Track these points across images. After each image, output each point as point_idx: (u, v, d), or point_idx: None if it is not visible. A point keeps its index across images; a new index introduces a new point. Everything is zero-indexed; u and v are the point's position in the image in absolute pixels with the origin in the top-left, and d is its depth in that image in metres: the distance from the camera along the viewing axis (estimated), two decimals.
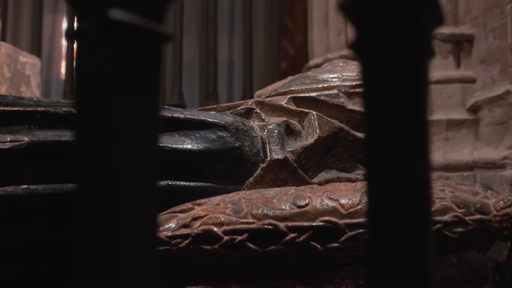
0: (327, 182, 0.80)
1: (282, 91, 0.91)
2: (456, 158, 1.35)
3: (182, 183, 0.70)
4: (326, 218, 0.62)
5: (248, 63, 1.92)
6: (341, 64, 1.00)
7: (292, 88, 0.92)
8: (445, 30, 1.43)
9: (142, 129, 0.27)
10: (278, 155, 0.75)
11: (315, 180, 0.80)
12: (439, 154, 1.37)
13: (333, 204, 0.63)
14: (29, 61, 1.24)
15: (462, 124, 1.38)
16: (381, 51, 0.28)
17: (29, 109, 0.69)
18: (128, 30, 0.26)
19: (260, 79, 2.12)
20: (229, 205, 0.64)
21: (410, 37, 0.27)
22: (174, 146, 0.70)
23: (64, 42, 1.88)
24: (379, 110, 0.27)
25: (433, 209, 0.65)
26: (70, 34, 0.26)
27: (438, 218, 0.63)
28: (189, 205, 0.66)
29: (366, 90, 0.28)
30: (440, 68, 1.44)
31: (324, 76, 0.96)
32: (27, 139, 0.65)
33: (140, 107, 0.27)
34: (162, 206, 0.68)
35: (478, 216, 0.65)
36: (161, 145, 0.69)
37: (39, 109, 0.69)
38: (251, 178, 0.74)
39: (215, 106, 0.90)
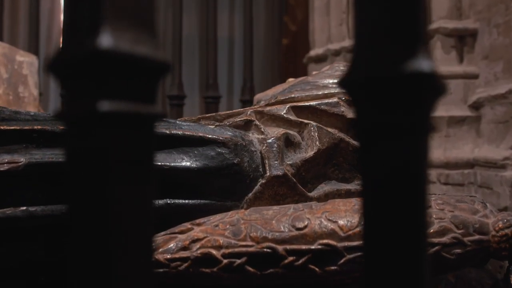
0: (326, 195, 0.80)
1: (282, 98, 0.90)
2: (456, 155, 1.35)
3: (180, 201, 0.70)
4: (325, 241, 0.62)
5: (248, 40, 1.89)
6: (342, 68, 0.98)
7: (292, 96, 0.91)
8: (448, 24, 1.41)
9: (136, 217, 0.26)
10: (277, 171, 0.75)
11: (315, 192, 0.80)
12: (439, 151, 1.37)
13: (332, 227, 0.63)
14: (26, 60, 1.23)
15: (463, 121, 1.38)
16: (381, 133, 0.27)
17: (26, 127, 0.68)
18: (118, 120, 0.25)
19: (261, 56, 2.10)
20: (228, 227, 0.64)
21: (412, 120, 0.27)
22: (173, 164, 0.69)
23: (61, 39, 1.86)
24: (379, 196, 0.27)
25: (432, 230, 0.65)
26: (61, 119, 0.26)
27: (436, 240, 0.64)
28: (188, 225, 0.66)
29: (365, 170, 0.28)
30: (442, 63, 1.42)
31: (325, 81, 0.94)
32: (24, 160, 0.64)
33: (134, 194, 0.27)
34: (161, 225, 0.68)
35: (477, 237, 0.65)
36: (159, 163, 0.69)
37: (36, 127, 0.68)
38: (250, 194, 0.74)
39: (214, 114, 0.89)
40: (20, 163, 0.64)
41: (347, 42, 1.72)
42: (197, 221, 0.67)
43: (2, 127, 0.67)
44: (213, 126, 0.77)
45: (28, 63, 1.23)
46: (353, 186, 0.84)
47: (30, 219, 0.64)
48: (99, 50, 0.24)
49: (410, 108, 0.26)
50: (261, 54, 1.99)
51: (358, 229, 0.63)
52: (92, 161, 0.25)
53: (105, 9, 0.24)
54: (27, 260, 0.64)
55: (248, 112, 0.86)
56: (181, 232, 0.65)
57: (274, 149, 0.76)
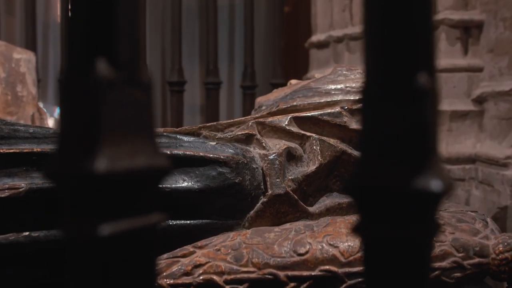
0: (328, 210, 0.80)
1: (284, 107, 0.89)
2: (458, 150, 1.35)
3: (182, 222, 0.70)
4: (326, 267, 0.63)
5: (249, 25, 1.86)
6: (344, 72, 0.97)
7: (294, 104, 0.89)
8: (454, 15, 1.38)
9: None
10: (279, 190, 0.74)
11: (316, 207, 0.80)
12: (441, 146, 1.36)
13: (333, 252, 0.64)
14: (23, 57, 1.21)
15: (466, 116, 1.36)
16: (385, 245, 0.27)
17: (25, 150, 0.68)
18: (120, 239, 0.25)
19: (262, 41, 2.07)
20: (230, 251, 0.65)
21: (418, 237, 0.26)
22: (174, 186, 0.69)
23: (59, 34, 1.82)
24: None
25: (433, 254, 0.65)
26: (63, 237, 0.26)
27: (437, 264, 0.64)
28: (190, 248, 0.67)
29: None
30: (446, 55, 1.40)
31: (327, 87, 0.93)
32: (25, 186, 0.64)
33: None
34: (163, 246, 0.68)
35: (476, 260, 0.66)
36: (160, 186, 0.69)
37: (35, 150, 0.68)
38: (252, 212, 0.74)
39: (215, 123, 0.89)
40: (21, 189, 0.64)
41: (350, 29, 1.69)
42: (199, 243, 0.67)
43: (1, 150, 0.67)
44: (214, 143, 0.76)
45: (25, 60, 1.21)
46: None
47: (33, 244, 0.64)
48: (96, 174, 0.23)
49: (414, 223, 0.26)
50: (262, 39, 1.96)
51: (359, 254, 0.64)
52: (94, 275, 0.25)
53: (102, 131, 0.24)
54: (31, 284, 0.65)
55: (250, 123, 0.85)
56: (184, 256, 0.66)
57: (276, 166, 0.76)
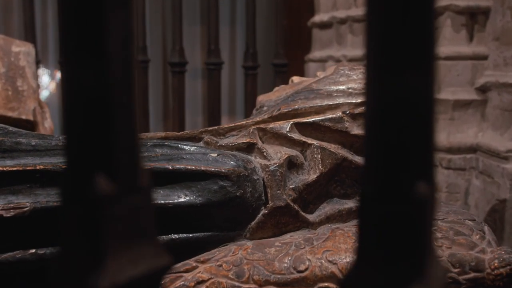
0: (328, 218, 0.81)
1: (285, 111, 0.88)
2: (460, 140, 1.35)
3: (184, 235, 0.71)
4: (325, 284, 0.64)
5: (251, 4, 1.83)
6: (347, 72, 0.96)
7: (296, 107, 0.89)
8: (460, 1, 1.35)
9: None
10: (280, 202, 0.75)
11: (316, 215, 0.81)
12: (443, 135, 1.36)
13: (332, 269, 0.65)
14: (22, 50, 1.19)
15: (469, 105, 1.36)
16: None
17: (28, 168, 0.68)
18: None
19: (264, 20, 2.04)
20: (231, 267, 0.66)
21: None
22: (176, 201, 0.70)
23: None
24: None
25: None
26: None
27: None
28: (192, 263, 0.68)
29: None
30: (451, 42, 1.37)
31: (329, 89, 0.92)
32: (29, 205, 0.65)
33: None
34: None
35: (472, 275, 0.67)
36: (162, 202, 0.70)
37: (38, 167, 0.69)
38: (253, 223, 0.75)
39: (216, 128, 0.89)
40: (25, 209, 0.65)
41: (354, 11, 1.65)
42: (202, 258, 0.69)
43: (5, 169, 0.68)
44: (216, 155, 0.76)
45: (24, 53, 1.19)
46: (354, 203, 0.85)
47: (39, 262, 0.66)
48: None
49: None
50: (263, 19, 1.92)
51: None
52: None
53: (104, 246, 0.24)
54: None
55: (251, 130, 0.85)
56: (187, 271, 0.68)
57: (277, 177, 0.77)
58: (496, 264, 0.67)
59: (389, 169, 0.26)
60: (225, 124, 0.91)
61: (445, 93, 1.37)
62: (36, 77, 1.19)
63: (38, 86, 1.19)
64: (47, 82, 2.03)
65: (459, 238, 0.71)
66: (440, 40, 1.39)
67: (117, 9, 0.21)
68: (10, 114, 1.13)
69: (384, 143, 0.23)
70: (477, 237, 0.73)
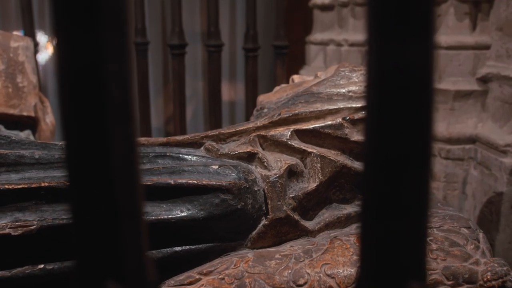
0: (327, 225, 0.83)
1: (286, 116, 0.89)
2: (459, 131, 1.35)
3: (187, 247, 0.73)
4: None
5: None
6: (347, 74, 0.96)
7: (296, 112, 0.89)
8: None
9: None
10: (280, 213, 0.77)
11: (315, 221, 0.83)
12: (443, 125, 1.36)
13: (330, 284, 0.68)
14: (21, 45, 1.18)
15: (470, 95, 1.35)
16: None
17: (33, 186, 0.70)
18: None
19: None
20: (233, 281, 0.69)
21: None
22: (178, 216, 0.72)
23: None
24: None
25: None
26: None
27: None
28: (196, 275, 0.71)
29: None
30: (454, 31, 1.36)
31: (329, 91, 0.93)
32: (36, 223, 0.67)
33: None
34: (170, 270, 0.73)
35: (465, 287, 0.70)
36: (166, 217, 0.71)
37: (43, 184, 0.70)
38: (254, 233, 0.77)
39: (217, 133, 0.89)
40: (33, 227, 0.67)
41: None
42: (205, 270, 0.71)
43: (11, 187, 0.69)
44: (217, 166, 0.77)
45: (23, 47, 1.18)
46: (353, 208, 0.87)
47: (48, 276, 0.68)
48: None
49: None
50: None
51: (353, 285, 0.68)
52: None
53: None
54: None
55: (252, 137, 0.86)
56: (190, 283, 0.70)
57: (277, 188, 0.78)
58: (488, 277, 0.70)
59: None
60: (225, 128, 0.92)
61: (446, 83, 1.36)
62: (35, 71, 1.19)
63: (38, 81, 1.19)
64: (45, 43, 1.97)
65: (453, 250, 0.74)
66: (443, 28, 1.37)
67: None
68: (11, 111, 1.13)
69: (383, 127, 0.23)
70: (472, 247, 0.76)
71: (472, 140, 1.35)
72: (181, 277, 0.71)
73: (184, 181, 0.73)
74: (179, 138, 0.89)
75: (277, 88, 1.04)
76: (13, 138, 0.82)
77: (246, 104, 1.96)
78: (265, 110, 0.98)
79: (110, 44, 0.20)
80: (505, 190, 1.20)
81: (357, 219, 0.87)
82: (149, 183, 0.72)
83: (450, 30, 1.36)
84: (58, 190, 0.70)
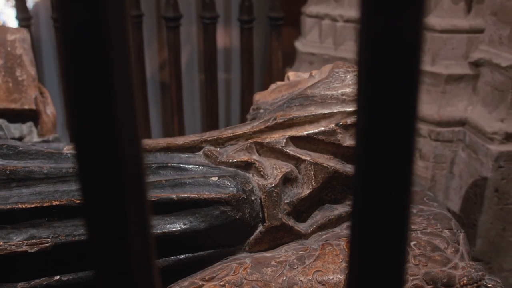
0: (319, 228, 0.89)
1: (281, 121, 0.92)
2: (450, 114, 1.39)
3: (190, 255, 0.80)
4: None
5: None
6: (342, 75, 0.98)
7: (291, 116, 0.93)
8: None
9: None
10: (276, 221, 0.83)
11: (308, 223, 0.89)
12: (434, 108, 1.40)
13: None
14: (17, 37, 1.18)
15: (461, 79, 1.38)
16: None
17: (45, 204, 0.75)
18: None
19: None
20: None
21: None
22: (181, 228, 0.77)
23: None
24: None
25: None
26: None
27: None
28: (199, 282, 0.77)
29: None
30: (449, 14, 1.36)
31: (323, 94, 0.96)
32: (50, 241, 0.73)
33: None
34: (174, 275, 0.79)
35: None
36: (170, 230, 0.77)
37: (54, 203, 0.75)
38: (251, 238, 0.84)
39: (215, 138, 0.93)
40: (48, 244, 0.73)
41: None
42: (207, 276, 0.78)
43: (24, 206, 0.74)
44: (216, 178, 0.82)
45: (20, 40, 1.18)
46: (343, 208, 0.93)
47: (64, 287, 0.75)
48: None
49: None
50: None
51: None
52: None
53: None
54: None
55: (248, 144, 0.90)
56: None
57: (273, 198, 0.83)
58: (465, 281, 0.77)
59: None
60: (223, 130, 0.96)
61: (439, 67, 1.39)
62: (33, 63, 1.20)
63: (36, 72, 1.20)
64: None
65: (435, 255, 0.80)
66: (438, 11, 1.38)
67: None
68: (13, 106, 1.16)
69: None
70: (452, 250, 0.82)
71: (462, 123, 1.39)
72: (185, 283, 0.78)
73: (186, 195, 0.78)
74: (179, 142, 0.93)
75: (272, 86, 1.06)
76: (20, 148, 0.86)
77: (241, 76, 1.97)
78: (261, 110, 1.01)
79: (111, 12, 0.21)
80: (490, 175, 1.26)
81: (347, 219, 0.93)
82: (154, 199, 0.77)
83: (445, 13, 1.36)
84: (68, 208, 0.75)
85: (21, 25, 1.71)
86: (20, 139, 1.18)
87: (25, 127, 1.20)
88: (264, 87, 2.11)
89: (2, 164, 0.83)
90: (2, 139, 0.93)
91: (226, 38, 2.03)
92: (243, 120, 2.04)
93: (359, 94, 0.22)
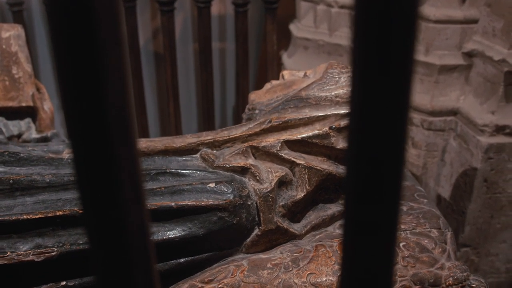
0: (313, 228, 0.93)
1: (276, 123, 0.94)
2: (442, 104, 1.41)
3: (190, 258, 0.83)
4: None
5: None
6: (336, 77, 1.00)
7: (286, 119, 0.95)
8: None
9: None
10: (271, 225, 0.86)
11: (303, 224, 0.93)
12: (427, 98, 1.42)
13: None
14: (12, 34, 1.17)
15: (454, 69, 1.40)
16: None
17: (49, 215, 0.77)
18: None
19: None
20: None
21: None
22: (181, 235, 0.81)
23: None
24: None
25: None
26: None
27: None
28: (198, 284, 0.81)
29: None
30: (443, 4, 1.37)
31: (317, 95, 0.98)
32: (56, 250, 0.76)
33: None
34: (175, 278, 0.83)
35: None
36: (170, 236, 0.80)
37: (58, 213, 0.78)
38: (248, 240, 0.87)
39: (212, 140, 0.96)
40: (53, 253, 0.76)
41: None
42: (206, 278, 0.82)
43: (29, 217, 0.77)
44: (213, 185, 0.85)
45: (14, 36, 1.18)
46: (336, 207, 0.96)
47: None
48: None
49: None
50: None
51: None
52: None
53: None
54: None
55: (244, 148, 0.92)
56: None
57: (268, 202, 0.86)
58: (450, 282, 0.81)
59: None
60: (219, 131, 0.98)
61: (432, 57, 1.40)
62: (29, 60, 1.20)
63: (32, 69, 1.21)
64: None
65: (422, 256, 0.84)
66: (433, 1, 1.38)
67: None
68: (10, 104, 1.17)
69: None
70: (439, 250, 0.86)
71: (454, 112, 1.42)
72: (186, 285, 0.82)
73: (185, 203, 0.81)
74: (176, 145, 0.95)
75: (267, 85, 1.08)
76: (22, 155, 0.88)
77: (236, 60, 1.97)
78: (257, 111, 1.03)
79: None
80: (479, 166, 1.29)
81: (340, 218, 0.96)
82: (154, 208, 0.80)
83: (440, 3, 1.36)
84: (71, 217, 0.78)
85: (12, 10, 1.69)
86: (19, 135, 1.20)
87: (23, 124, 1.21)
88: (259, 70, 2.12)
89: (4, 172, 0.86)
90: (3, 144, 0.95)
91: (221, 21, 2.02)
92: (238, 104, 2.05)
93: (352, 81, 0.22)
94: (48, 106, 1.25)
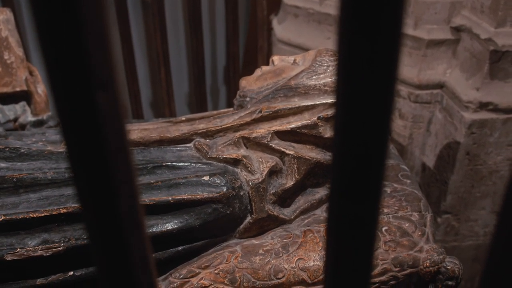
0: (302, 213, 0.99)
1: (266, 113, 0.98)
2: (429, 78, 1.44)
3: (187, 246, 0.90)
4: (298, 287, 0.86)
5: None
6: (324, 64, 1.02)
7: (276, 109, 0.98)
8: None
9: None
10: (262, 214, 0.92)
11: (292, 208, 0.99)
12: (414, 71, 1.45)
13: (303, 276, 0.86)
14: (1, 19, 1.16)
15: (442, 43, 1.41)
16: None
17: (54, 213, 0.82)
18: None
19: None
20: (226, 275, 0.87)
21: None
22: (178, 226, 0.86)
23: None
24: None
25: (376, 272, 0.88)
26: None
27: (377, 279, 0.88)
28: (196, 269, 0.88)
29: None
30: None
31: (306, 84, 1.01)
32: (63, 245, 0.82)
33: None
34: (174, 264, 0.90)
35: (408, 271, 0.89)
36: (168, 228, 0.86)
37: (62, 211, 0.83)
38: (241, 227, 0.93)
39: (205, 130, 0.99)
40: (60, 248, 0.82)
41: None
42: (203, 264, 0.89)
43: (35, 215, 0.82)
44: (208, 178, 0.90)
45: (3, 21, 1.17)
46: (324, 190, 1.02)
47: (77, 280, 0.85)
48: None
49: None
50: None
51: (321, 277, 0.86)
52: None
53: None
54: None
55: (236, 139, 0.96)
56: (192, 276, 0.88)
57: (260, 192, 0.92)
58: (427, 264, 0.89)
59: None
60: (212, 119, 1.01)
61: (421, 31, 1.41)
62: (20, 43, 1.20)
63: (23, 53, 1.21)
64: None
65: (403, 240, 0.91)
66: None
67: None
68: (5, 90, 1.18)
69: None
70: (419, 233, 0.93)
71: (440, 85, 1.45)
72: (184, 271, 0.89)
73: (181, 197, 0.86)
74: (171, 135, 0.99)
75: (258, 72, 1.10)
76: (22, 150, 0.92)
77: (226, 25, 1.96)
78: (247, 99, 1.06)
79: None
80: (462, 141, 1.35)
81: (327, 201, 1.02)
82: (152, 203, 0.85)
83: None
84: (75, 214, 0.83)
85: None
86: (15, 119, 1.23)
87: (19, 107, 1.23)
88: (249, 37, 2.10)
89: (7, 168, 0.90)
90: (2, 137, 0.98)
91: (211, 12, 1.99)
92: (228, 65, 2.06)
93: (339, 53, 0.21)
94: (42, 89, 1.26)
